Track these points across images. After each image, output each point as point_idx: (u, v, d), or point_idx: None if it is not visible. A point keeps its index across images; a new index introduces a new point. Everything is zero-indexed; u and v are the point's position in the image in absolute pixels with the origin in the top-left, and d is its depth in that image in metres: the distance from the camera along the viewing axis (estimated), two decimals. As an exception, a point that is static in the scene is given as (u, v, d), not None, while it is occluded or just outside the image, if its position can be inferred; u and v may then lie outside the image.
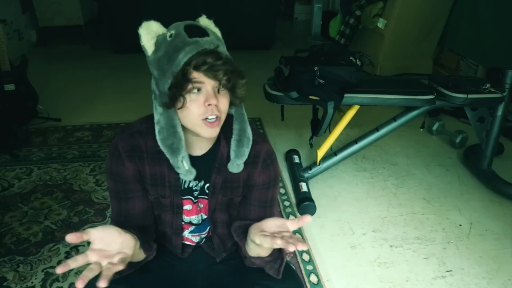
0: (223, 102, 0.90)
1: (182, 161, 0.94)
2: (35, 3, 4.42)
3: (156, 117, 0.95)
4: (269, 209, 1.08)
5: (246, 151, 0.99)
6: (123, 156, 0.97)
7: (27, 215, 1.90)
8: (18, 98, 2.64)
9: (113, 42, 4.46)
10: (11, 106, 2.61)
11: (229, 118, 0.99)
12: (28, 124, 2.74)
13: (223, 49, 0.88)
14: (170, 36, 0.88)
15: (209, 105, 0.87)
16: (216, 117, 0.90)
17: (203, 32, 0.88)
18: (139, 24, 0.91)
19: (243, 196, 1.06)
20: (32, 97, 2.75)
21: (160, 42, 0.89)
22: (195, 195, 1.05)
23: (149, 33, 0.91)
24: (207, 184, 1.04)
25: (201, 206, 1.07)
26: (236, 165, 0.98)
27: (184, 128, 0.94)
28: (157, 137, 0.95)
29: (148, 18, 0.93)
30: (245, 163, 1.00)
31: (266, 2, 4.46)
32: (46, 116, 2.83)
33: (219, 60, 0.85)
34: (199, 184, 1.04)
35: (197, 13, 1.00)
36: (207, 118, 0.89)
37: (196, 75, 0.85)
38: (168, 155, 0.94)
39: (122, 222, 0.99)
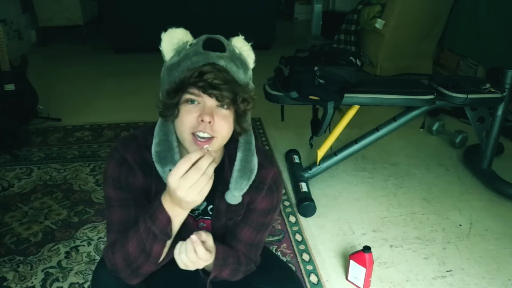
0: (221, 124, 0.85)
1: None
2: (35, 3, 4.42)
3: (157, 128, 0.93)
4: (261, 232, 1.05)
5: (245, 185, 0.94)
6: (134, 168, 0.94)
7: (27, 215, 1.90)
8: (18, 98, 2.64)
9: (113, 42, 4.47)
10: (11, 106, 2.61)
11: (237, 143, 0.96)
12: (28, 124, 2.74)
13: (234, 69, 0.84)
14: (190, 45, 0.87)
15: (202, 120, 0.83)
16: (210, 137, 0.85)
17: (219, 47, 0.85)
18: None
19: (243, 215, 1.04)
20: (32, 97, 2.75)
21: (180, 50, 0.88)
22: (196, 214, 1.02)
23: (171, 40, 0.89)
24: (210, 206, 1.01)
25: (203, 225, 1.05)
26: (233, 197, 0.94)
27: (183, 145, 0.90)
28: (153, 148, 0.92)
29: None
30: (249, 186, 0.96)
31: (266, 2, 4.46)
32: (46, 116, 2.83)
33: (218, 79, 0.80)
34: (202, 205, 1.01)
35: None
36: (198, 135, 0.85)
37: (194, 89, 0.83)
38: (155, 163, 0.90)
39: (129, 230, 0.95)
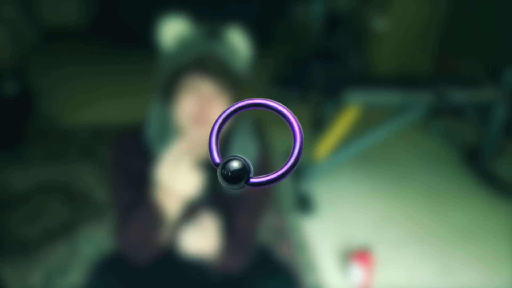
0: (218, 110, 0.89)
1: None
2: (35, 3, 4.42)
3: (153, 107, 0.97)
4: (255, 218, 1.06)
5: None
6: (129, 153, 0.98)
7: (27, 215, 1.90)
8: (18, 98, 2.64)
9: (113, 42, 4.46)
10: (11, 106, 2.61)
11: (233, 128, 0.99)
12: (28, 124, 2.74)
13: (231, 58, 0.87)
14: (189, 34, 0.90)
15: (200, 106, 0.87)
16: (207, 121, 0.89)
17: (217, 35, 0.89)
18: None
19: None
20: (32, 97, 2.75)
21: (179, 38, 0.91)
22: None
23: (169, 29, 0.92)
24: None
25: None
26: None
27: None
28: (147, 125, 0.96)
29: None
30: None
31: (266, 2, 4.47)
32: (46, 116, 2.83)
33: (218, 68, 0.84)
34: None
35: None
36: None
37: (193, 75, 0.86)
38: (153, 144, 0.95)
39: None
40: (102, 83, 3.64)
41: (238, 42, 0.94)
